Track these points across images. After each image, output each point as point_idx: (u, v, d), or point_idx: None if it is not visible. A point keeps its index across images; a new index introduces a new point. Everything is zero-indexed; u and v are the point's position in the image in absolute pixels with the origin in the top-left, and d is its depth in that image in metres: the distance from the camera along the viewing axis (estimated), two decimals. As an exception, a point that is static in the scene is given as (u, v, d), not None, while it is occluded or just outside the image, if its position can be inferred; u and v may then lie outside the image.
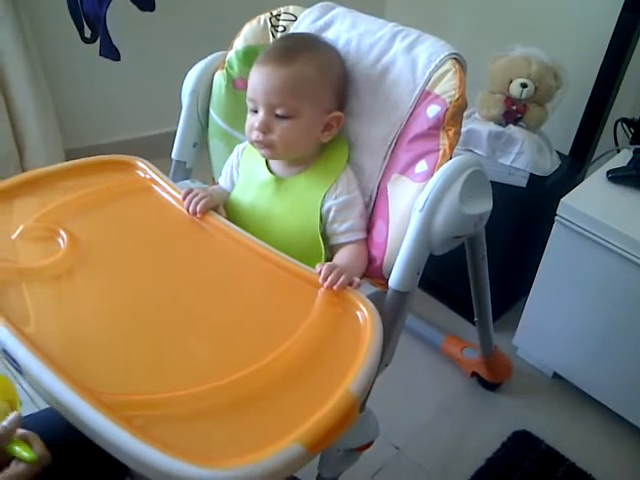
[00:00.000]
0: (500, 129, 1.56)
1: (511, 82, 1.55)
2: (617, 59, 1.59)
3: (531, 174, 1.56)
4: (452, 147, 0.94)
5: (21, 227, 0.97)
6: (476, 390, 1.65)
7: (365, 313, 0.85)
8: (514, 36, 1.66)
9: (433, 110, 0.96)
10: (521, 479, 1.42)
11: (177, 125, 1.20)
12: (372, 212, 1.05)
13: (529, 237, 1.65)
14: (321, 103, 1.01)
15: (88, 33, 1.64)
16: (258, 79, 1.00)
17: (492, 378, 1.59)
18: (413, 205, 0.93)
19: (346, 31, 1.07)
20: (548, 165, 1.59)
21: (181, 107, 1.20)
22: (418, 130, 0.97)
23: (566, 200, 1.42)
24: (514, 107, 1.56)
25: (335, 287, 0.88)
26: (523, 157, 1.54)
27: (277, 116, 0.99)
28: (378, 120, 1.04)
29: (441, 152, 0.94)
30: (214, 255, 0.98)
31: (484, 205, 0.95)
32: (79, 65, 2.01)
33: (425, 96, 0.98)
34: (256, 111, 1.01)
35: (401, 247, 0.93)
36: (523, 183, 1.55)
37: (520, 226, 1.65)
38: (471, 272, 1.20)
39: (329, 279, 0.89)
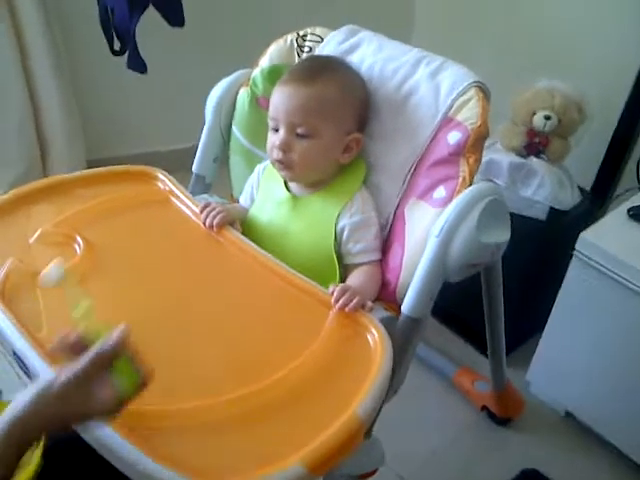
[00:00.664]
0: (521, 160, 1.55)
1: (534, 114, 1.55)
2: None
3: (551, 208, 1.55)
4: (472, 174, 0.93)
5: (39, 231, 0.98)
6: (485, 424, 1.61)
7: (376, 336, 0.84)
8: (538, 68, 1.66)
9: (454, 137, 0.96)
10: (527, 519, 1.39)
11: (199, 140, 1.21)
12: (388, 235, 1.04)
13: (546, 271, 1.63)
14: (341, 124, 1.02)
15: (117, 46, 1.67)
16: (280, 98, 1.01)
17: (502, 413, 1.56)
18: (430, 230, 0.92)
19: (371, 55, 1.08)
20: (569, 199, 1.57)
21: (204, 122, 1.21)
22: (438, 156, 0.97)
23: (585, 235, 1.40)
24: (536, 139, 1.55)
25: (347, 309, 0.88)
26: (543, 190, 1.52)
27: (298, 135, 1.00)
28: (398, 144, 1.04)
29: (460, 179, 0.94)
30: (228, 269, 0.98)
31: (502, 234, 0.94)
32: (106, 77, 2.03)
33: (447, 122, 0.98)
34: (277, 130, 1.02)
35: (416, 273, 0.92)
36: (543, 216, 1.54)
37: (537, 259, 1.63)
38: (486, 302, 1.18)
39: (341, 301, 0.88)
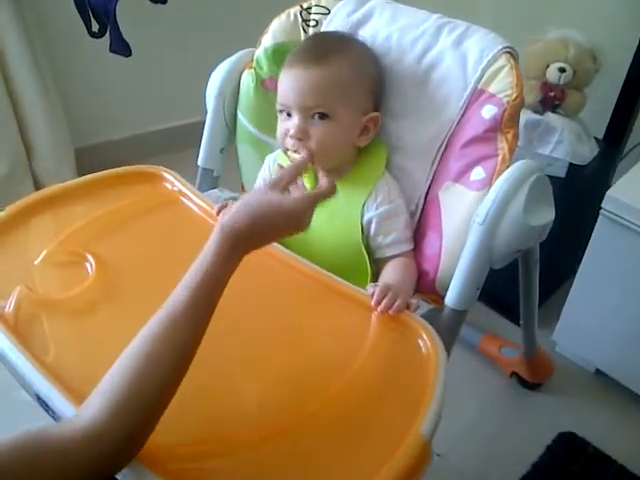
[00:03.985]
0: (537, 117, 1.47)
1: (548, 67, 1.46)
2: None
3: (570, 163, 1.48)
4: (512, 151, 0.86)
5: (44, 252, 0.90)
6: (516, 390, 1.57)
7: (427, 343, 0.78)
8: (547, 17, 1.57)
9: (489, 111, 0.88)
10: (570, 485, 1.36)
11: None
12: (420, 222, 0.97)
13: (569, 228, 1.57)
14: (357, 104, 0.94)
15: (96, 27, 1.55)
16: (289, 82, 0.93)
17: (534, 378, 1.53)
18: (471, 216, 0.85)
19: (385, 25, 0.98)
20: (587, 153, 1.51)
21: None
22: (473, 133, 0.89)
23: (612, 193, 1.34)
24: (552, 93, 1.47)
25: (391, 312, 0.81)
26: (562, 146, 1.46)
27: (313, 120, 0.91)
28: (424, 122, 0.96)
29: (500, 157, 0.86)
30: (255, 277, 0.89)
31: (548, 214, 0.87)
32: (86, 61, 1.92)
33: (478, 95, 0.90)
34: (288, 115, 0.93)
35: (459, 262, 0.85)
36: (562, 173, 1.47)
37: (559, 217, 1.56)
38: (522, 277, 1.12)
39: (384, 303, 0.81)
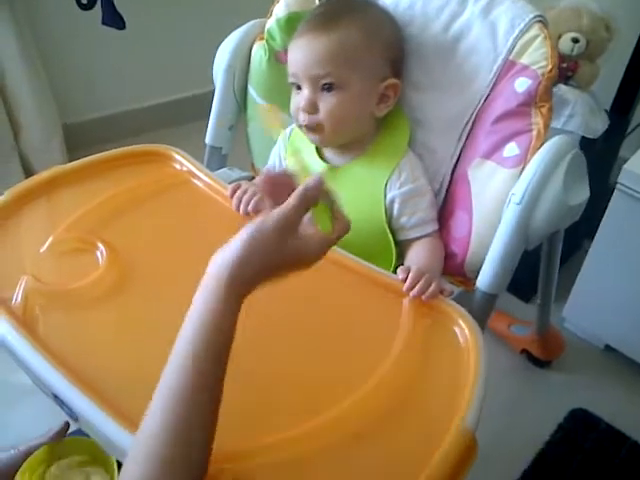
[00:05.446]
0: (549, 89, 1.42)
1: (560, 37, 1.41)
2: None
3: (582, 137, 1.44)
4: (547, 126, 0.82)
5: (50, 238, 0.84)
6: (525, 367, 1.56)
7: (465, 330, 0.74)
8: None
9: (523, 84, 0.83)
10: (583, 462, 1.35)
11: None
12: (447, 201, 0.93)
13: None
14: (371, 71, 0.88)
15: (85, -1, 1.48)
16: (297, 51, 0.88)
17: (545, 355, 1.51)
18: (504, 195, 0.81)
19: (409, -8, 0.93)
20: (599, 126, 1.47)
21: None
22: (505, 107, 0.84)
23: (628, 167, 1.31)
24: (564, 64, 1.42)
25: (424, 297, 0.77)
26: (575, 120, 1.41)
27: (323, 90, 0.87)
28: (451, 95, 0.91)
29: (535, 132, 0.82)
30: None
31: (584, 192, 0.84)
32: (74, 33, 1.83)
33: (510, 67, 0.86)
34: (299, 88, 0.89)
35: (493, 244, 0.81)
36: (575, 147, 1.43)
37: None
38: (545, 256, 1.08)
39: (417, 288, 0.77)
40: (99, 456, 0.75)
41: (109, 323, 0.77)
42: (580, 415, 1.44)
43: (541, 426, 1.42)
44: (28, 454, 0.75)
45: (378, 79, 0.89)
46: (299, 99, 0.89)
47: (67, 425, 0.78)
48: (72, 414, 0.68)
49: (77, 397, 0.66)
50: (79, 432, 0.74)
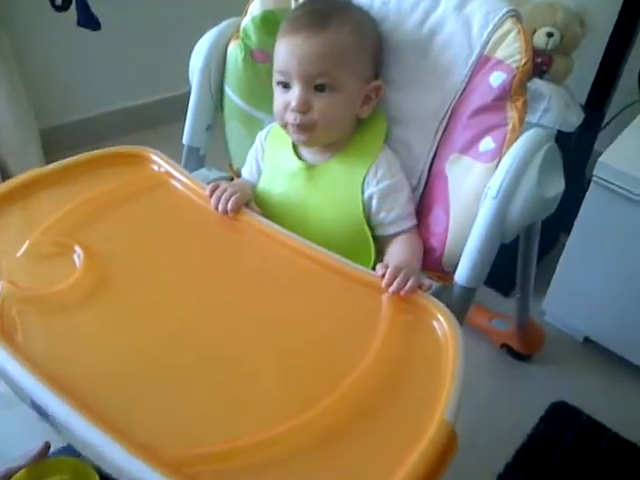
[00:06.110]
0: (525, 84, 1.43)
1: (535, 32, 1.42)
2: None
3: (558, 131, 1.45)
4: (522, 120, 0.83)
5: (27, 242, 0.83)
6: (505, 361, 1.56)
7: (444, 324, 0.74)
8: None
9: (497, 78, 0.84)
10: (565, 455, 1.36)
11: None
12: (424, 197, 0.93)
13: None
14: (361, 72, 0.89)
15: (59, 0, 1.46)
16: (289, 49, 0.87)
17: (525, 349, 1.52)
18: (481, 189, 0.82)
19: (382, -11, 0.93)
20: (574, 120, 1.48)
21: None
22: (480, 102, 0.85)
23: (603, 159, 1.32)
24: (539, 59, 1.43)
25: (403, 293, 0.77)
26: (550, 114, 1.43)
27: (316, 90, 0.86)
28: (426, 90, 0.91)
29: (510, 127, 0.83)
30: (255, 260, 0.85)
31: (559, 185, 0.85)
32: (49, 36, 1.81)
33: (484, 62, 0.86)
34: (286, 86, 0.88)
35: (470, 238, 0.82)
36: (550, 141, 1.44)
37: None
38: (522, 250, 1.09)
39: (395, 284, 0.77)
40: (81, 474, 0.74)
41: (88, 327, 0.76)
42: (561, 408, 1.45)
43: (522, 419, 1.42)
44: (7, 477, 0.73)
45: (365, 81, 0.90)
46: (287, 98, 0.88)
47: (47, 446, 0.76)
48: (52, 422, 0.67)
49: (57, 404, 0.65)
50: (59, 452, 0.73)
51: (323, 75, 0.85)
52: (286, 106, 0.87)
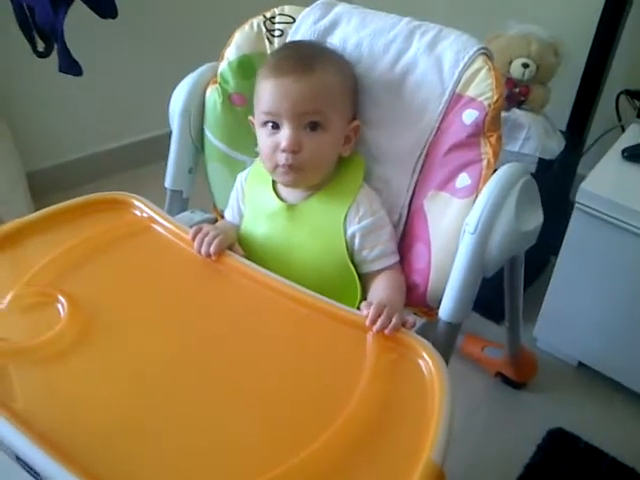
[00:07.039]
0: (504, 114, 1.45)
1: (511, 63, 1.45)
2: (612, 25, 1.53)
3: (539, 158, 1.47)
4: (496, 155, 0.84)
5: (10, 294, 0.83)
6: (500, 390, 1.56)
7: (429, 362, 0.74)
8: (500, 11, 1.56)
9: (470, 116, 0.85)
10: (564, 482, 1.35)
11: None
12: (405, 233, 0.94)
13: (544, 222, 1.57)
14: (344, 112, 0.91)
15: (42, 46, 1.48)
16: (279, 90, 0.87)
17: (519, 377, 1.52)
18: (459, 225, 0.82)
19: (355, 31, 0.95)
20: (555, 147, 1.51)
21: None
22: (454, 139, 0.86)
23: (585, 186, 1.34)
24: (517, 89, 1.46)
25: (387, 331, 0.77)
26: (531, 142, 1.45)
27: (306, 130, 0.87)
28: (402, 129, 0.93)
29: (485, 162, 0.84)
30: (239, 304, 0.85)
31: (538, 217, 0.85)
32: (33, 81, 1.83)
33: (457, 99, 0.88)
34: (275, 127, 0.88)
35: (452, 274, 0.82)
36: (533, 169, 1.46)
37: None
38: (508, 280, 1.10)
39: (379, 322, 0.77)
40: None
41: (71, 379, 0.75)
42: (558, 435, 1.44)
43: (520, 448, 1.42)
44: None
45: (347, 120, 0.92)
46: (277, 139, 0.88)
47: None
48: (37, 476, 0.67)
49: (42, 458, 0.64)
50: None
51: (316, 113, 0.86)
52: (275, 147, 0.88)
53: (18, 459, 0.67)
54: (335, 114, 0.88)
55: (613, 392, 1.52)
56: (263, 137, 0.90)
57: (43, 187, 1.83)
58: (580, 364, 1.59)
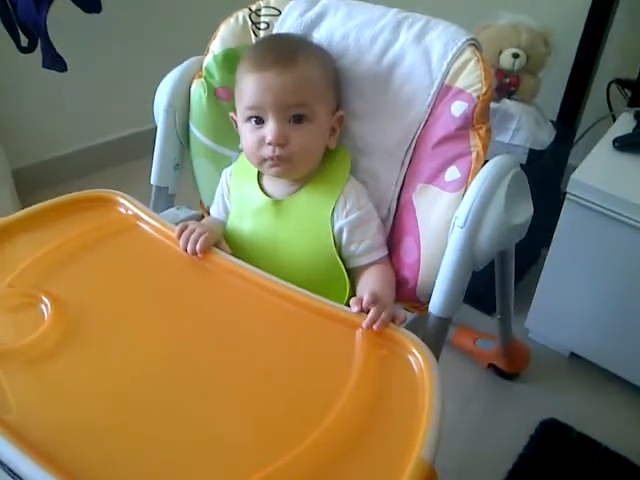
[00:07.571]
0: (494, 105, 1.44)
1: (501, 53, 1.44)
2: (602, 14, 1.52)
3: (530, 149, 1.46)
4: (486, 148, 0.83)
5: (-7, 295, 0.82)
6: (493, 382, 1.56)
7: (419, 358, 0.73)
8: (490, 0, 1.55)
9: (459, 107, 0.84)
10: (558, 472, 1.35)
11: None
12: (394, 227, 0.93)
13: (535, 213, 1.57)
14: (328, 104, 0.90)
15: (25, 42, 1.46)
16: (262, 84, 0.86)
17: (511, 368, 1.51)
18: (449, 219, 0.81)
19: (341, 23, 0.93)
20: (546, 137, 1.50)
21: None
22: (443, 132, 0.85)
23: (576, 176, 1.33)
24: (507, 80, 1.45)
25: (376, 327, 0.76)
26: (521, 133, 1.44)
27: (292, 122, 0.86)
28: (389, 122, 0.91)
29: (474, 155, 0.83)
30: (226, 301, 0.84)
31: (528, 209, 0.84)
32: (18, 77, 1.81)
33: (445, 91, 0.86)
34: (258, 121, 0.87)
35: (441, 268, 0.81)
36: (523, 160, 1.46)
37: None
38: (499, 273, 1.09)
39: (369, 317, 0.76)
40: None
41: (57, 380, 0.74)
42: (551, 425, 1.44)
43: (513, 439, 1.41)
44: None
45: (331, 111, 0.91)
46: (262, 133, 0.87)
47: None
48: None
49: (28, 465, 0.63)
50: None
51: (300, 106, 0.85)
52: (261, 142, 0.86)
53: (3, 466, 0.66)
54: (319, 106, 0.87)
55: (605, 382, 1.52)
56: (247, 133, 0.88)
57: (29, 184, 1.81)
58: (572, 354, 1.59)
